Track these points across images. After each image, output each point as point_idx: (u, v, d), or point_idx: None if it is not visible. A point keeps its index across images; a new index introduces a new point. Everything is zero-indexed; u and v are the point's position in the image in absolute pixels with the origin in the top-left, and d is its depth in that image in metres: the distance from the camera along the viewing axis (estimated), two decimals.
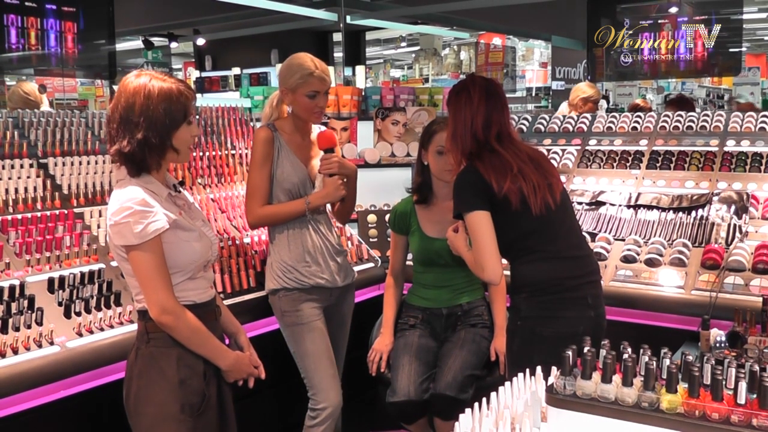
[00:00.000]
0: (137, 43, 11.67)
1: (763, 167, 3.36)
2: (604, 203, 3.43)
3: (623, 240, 3.16)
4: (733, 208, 3.14)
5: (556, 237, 2.32)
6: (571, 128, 4.07)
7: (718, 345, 2.08)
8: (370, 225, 3.64)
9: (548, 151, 3.86)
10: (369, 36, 13.05)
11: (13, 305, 2.19)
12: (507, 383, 1.64)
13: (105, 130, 1.94)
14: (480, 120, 2.34)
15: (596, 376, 1.52)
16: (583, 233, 2.66)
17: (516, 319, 2.34)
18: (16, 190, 2.60)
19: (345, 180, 2.66)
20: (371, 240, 3.57)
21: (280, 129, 2.72)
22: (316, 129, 2.81)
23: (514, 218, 2.27)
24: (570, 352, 1.55)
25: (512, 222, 2.27)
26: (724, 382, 1.46)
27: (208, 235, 2.05)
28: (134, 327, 2.06)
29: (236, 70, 10.04)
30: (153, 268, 1.87)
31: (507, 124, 2.40)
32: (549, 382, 1.58)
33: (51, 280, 2.35)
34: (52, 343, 2.15)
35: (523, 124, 4.21)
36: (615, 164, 3.67)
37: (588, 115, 4.18)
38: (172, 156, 1.96)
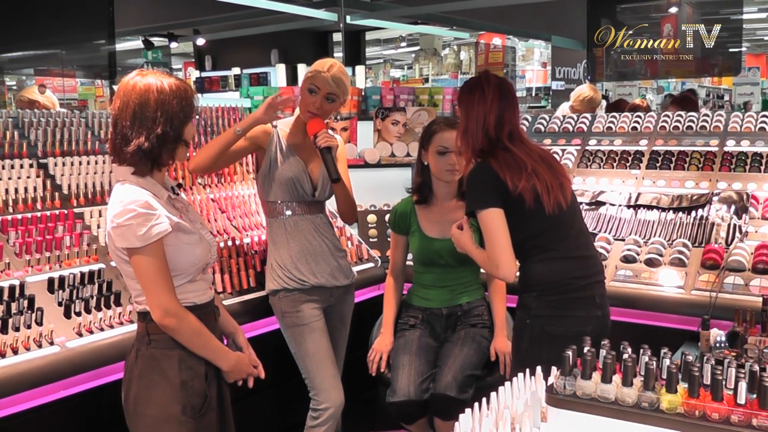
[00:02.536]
0: (137, 43, 11.66)
1: (763, 167, 3.36)
2: (604, 203, 3.43)
3: (623, 240, 3.16)
4: (733, 208, 3.14)
5: (566, 236, 2.34)
6: (571, 128, 4.07)
7: (718, 345, 2.08)
8: (370, 225, 3.64)
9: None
10: (369, 36, 13.04)
11: (13, 305, 2.19)
12: (507, 383, 1.64)
13: (113, 130, 1.92)
14: (493, 118, 2.33)
15: (596, 376, 1.53)
16: (589, 233, 2.67)
17: (525, 318, 2.34)
18: (16, 190, 2.60)
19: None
20: (371, 240, 3.57)
21: (283, 127, 2.72)
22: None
23: (526, 217, 2.27)
24: (570, 352, 1.55)
25: (525, 220, 2.28)
26: (724, 382, 1.46)
27: (207, 238, 2.05)
28: (134, 327, 2.06)
29: (236, 70, 10.04)
30: (155, 270, 1.87)
31: (518, 123, 2.41)
32: (549, 382, 1.58)
33: (51, 280, 2.35)
34: (52, 343, 2.15)
35: (523, 124, 4.21)
36: (615, 164, 3.67)
37: (588, 115, 4.18)
38: (181, 151, 1.96)
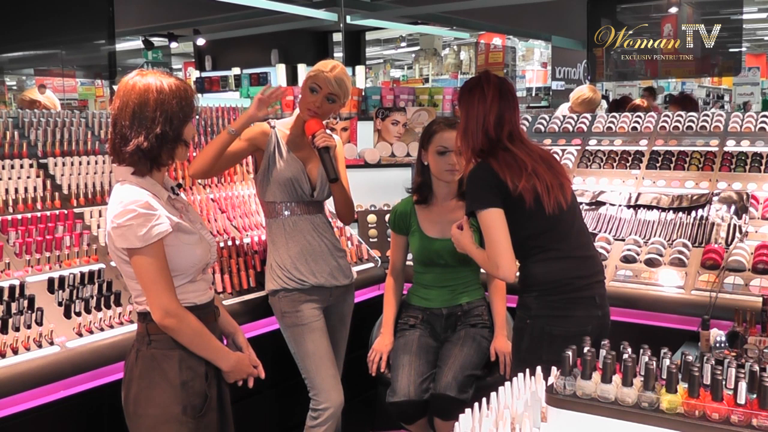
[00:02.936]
0: (137, 43, 11.66)
1: (763, 167, 3.36)
2: (604, 203, 3.43)
3: (623, 240, 3.16)
4: (733, 208, 3.14)
5: (567, 236, 2.34)
6: (571, 128, 4.07)
7: (718, 345, 2.08)
8: (370, 225, 3.64)
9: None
10: (369, 36, 13.04)
11: (13, 305, 2.19)
12: (507, 383, 1.64)
13: (113, 130, 1.92)
14: (492, 118, 2.34)
15: (596, 376, 1.53)
16: (589, 233, 2.67)
17: (525, 318, 2.34)
18: (16, 190, 2.60)
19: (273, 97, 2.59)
20: (371, 240, 3.57)
21: (281, 127, 2.73)
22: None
23: (527, 217, 2.28)
24: (570, 352, 1.55)
25: (525, 220, 2.28)
26: (724, 382, 1.46)
27: (207, 239, 2.05)
28: (134, 327, 2.06)
29: (236, 70, 10.04)
30: (156, 271, 1.86)
31: (518, 124, 2.41)
32: (549, 382, 1.58)
33: (51, 280, 2.35)
34: (52, 343, 2.14)
35: (523, 124, 4.21)
36: (615, 164, 3.67)
37: (588, 115, 4.18)
38: (181, 151, 1.96)
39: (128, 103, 1.88)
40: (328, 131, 2.67)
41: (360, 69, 9.45)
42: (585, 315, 2.31)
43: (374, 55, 15.58)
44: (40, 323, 2.18)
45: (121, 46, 10.90)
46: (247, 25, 10.26)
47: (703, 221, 3.12)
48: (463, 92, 2.43)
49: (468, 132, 2.37)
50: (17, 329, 2.13)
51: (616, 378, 1.51)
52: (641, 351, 1.58)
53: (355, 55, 11.91)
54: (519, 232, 2.27)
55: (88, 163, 2.87)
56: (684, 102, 5.38)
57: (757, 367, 1.44)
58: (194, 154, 3.18)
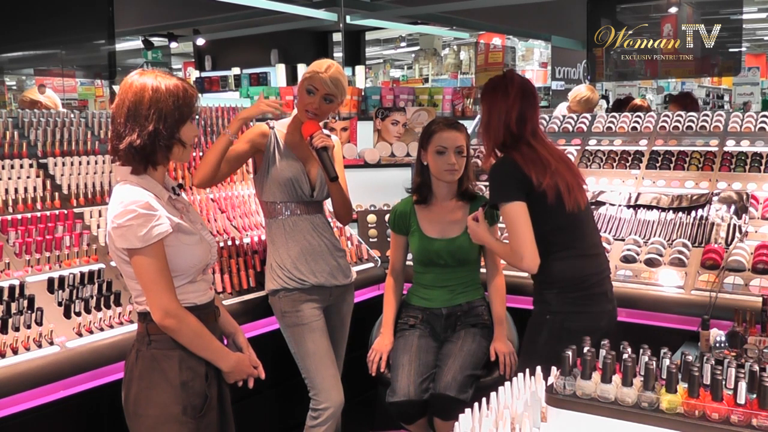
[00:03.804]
0: (137, 43, 11.65)
1: (762, 167, 3.36)
2: (604, 203, 3.43)
3: (623, 240, 3.16)
4: (732, 208, 3.14)
5: (583, 235, 2.42)
6: (571, 128, 4.07)
7: (717, 345, 2.08)
8: (370, 225, 3.64)
9: None
10: (369, 36, 13.03)
11: (13, 305, 2.19)
12: (507, 383, 1.64)
13: (111, 128, 1.93)
14: (514, 115, 2.40)
15: (596, 376, 1.53)
16: (599, 232, 2.71)
17: (545, 313, 2.40)
18: (16, 190, 2.60)
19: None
20: (371, 240, 3.57)
21: (280, 128, 2.73)
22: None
23: (547, 213, 2.34)
24: (570, 352, 1.55)
25: (545, 216, 2.34)
26: (723, 382, 1.46)
27: (207, 239, 2.05)
28: (134, 327, 2.06)
29: (236, 70, 10.03)
30: (156, 271, 1.86)
31: (538, 123, 2.47)
32: (549, 382, 1.58)
33: (51, 280, 2.35)
34: (51, 343, 2.15)
35: None
36: (615, 164, 3.67)
37: (588, 115, 4.18)
38: (177, 151, 1.96)
39: (125, 100, 1.89)
40: (326, 131, 2.67)
41: (360, 69, 9.44)
42: (599, 310, 2.40)
43: (374, 55, 15.57)
44: (40, 323, 2.18)
45: (121, 46, 10.89)
46: (247, 25, 10.25)
47: (703, 221, 3.12)
48: (486, 89, 2.49)
49: (490, 127, 2.44)
50: (17, 329, 2.13)
51: (616, 378, 1.51)
52: (641, 351, 1.58)
53: (354, 55, 11.90)
54: (539, 227, 2.32)
55: (88, 163, 2.87)
56: (685, 100, 5.36)
57: (756, 367, 1.44)
58: (194, 154, 3.19)
